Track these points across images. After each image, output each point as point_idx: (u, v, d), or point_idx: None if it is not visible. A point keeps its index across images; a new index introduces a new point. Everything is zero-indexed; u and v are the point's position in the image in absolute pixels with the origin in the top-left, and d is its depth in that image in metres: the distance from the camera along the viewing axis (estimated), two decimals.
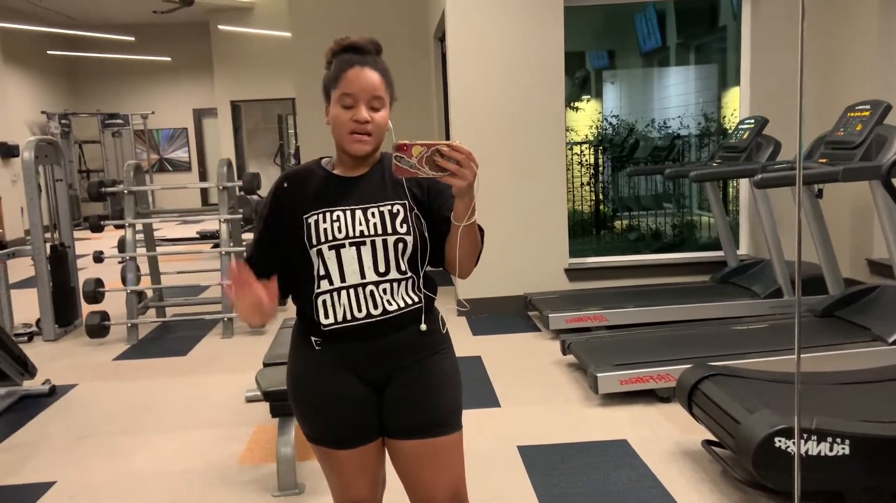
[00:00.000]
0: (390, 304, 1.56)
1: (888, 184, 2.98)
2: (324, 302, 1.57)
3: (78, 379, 4.32)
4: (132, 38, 13.10)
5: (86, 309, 5.66)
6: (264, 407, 3.48)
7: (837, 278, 4.27)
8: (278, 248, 1.61)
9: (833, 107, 4.89)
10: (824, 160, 3.82)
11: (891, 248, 3.49)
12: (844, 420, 2.38)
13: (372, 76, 1.54)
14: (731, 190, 5.97)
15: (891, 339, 3.50)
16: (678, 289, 5.00)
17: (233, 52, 12.53)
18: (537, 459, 2.95)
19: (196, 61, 13.49)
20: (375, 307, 1.55)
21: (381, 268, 1.55)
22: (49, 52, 12.75)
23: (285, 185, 1.63)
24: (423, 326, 1.60)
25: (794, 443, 2.29)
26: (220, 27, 12.28)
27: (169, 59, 13.58)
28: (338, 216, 1.56)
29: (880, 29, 4.65)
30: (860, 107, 3.79)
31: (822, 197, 4.06)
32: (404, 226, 1.56)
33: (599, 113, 6.60)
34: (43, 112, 12.34)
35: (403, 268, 1.57)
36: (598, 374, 3.43)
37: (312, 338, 1.62)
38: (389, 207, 1.58)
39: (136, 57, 13.39)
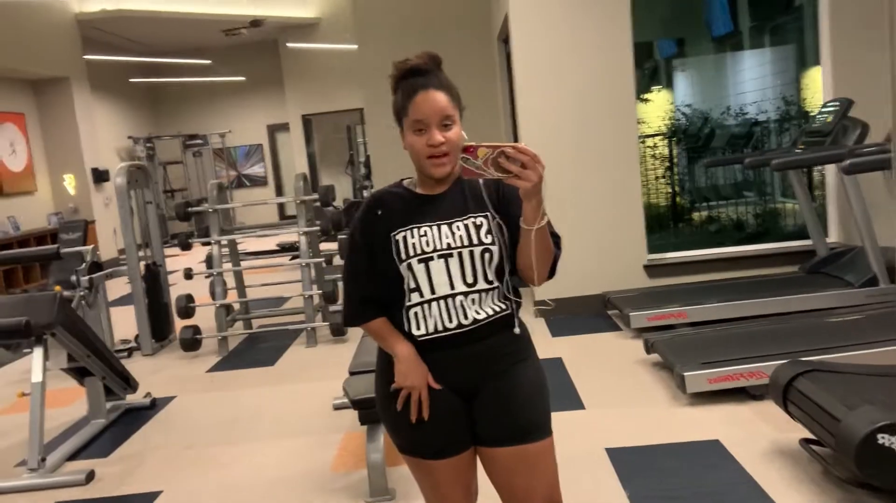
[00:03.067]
0: (479, 314, 1.59)
1: None
2: (415, 314, 1.61)
3: (176, 391, 4.54)
4: (209, 62, 13.63)
5: (179, 324, 5.92)
6: (352, 414, 3.57)
7: None
8: (375, 270, 1.66)
9: None
10: None
11: None
12: None
13: (438, 98, 1.56)
14: (816, 175, 5.73)
15: None
16: (764, 282, 4.84)
17: (302, 67, 12.88)
18: (627, 461, 2.92)
19: (268, 78, 13.92)
20: (465, 317, 1.58)
21: (469, 279, 1.58)
22: (131, 79, 13.42)
23: (374, 209, 1.67)
24: (517, 330, 1.63)
25: None
26: (289, 44, 12.64)
27: (243, 78, 14.06)
28: (425, 231, 1.60)
29: None
30: None
31: None
32: (489, 236, 1.59)
33: (671, 103, 6.45)
34: (129, 137, 13.00)
35: (490, 277, 1.60)
36: (686, 373, 3.36)
37: None
38: (474, 219, 1.61)
39: (211, 79, 13.93)
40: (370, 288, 1.68)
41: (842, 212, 5.28)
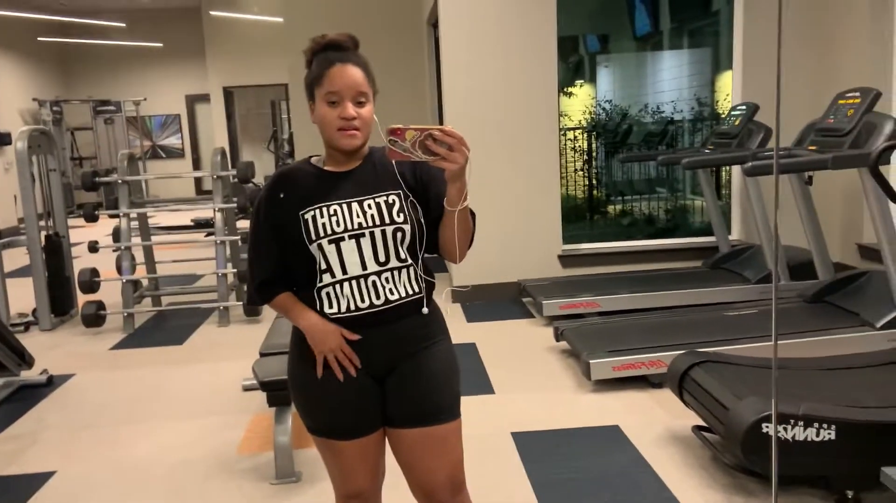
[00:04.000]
0: (392, 294, 1.59)
1: (876, 171, 3.01)
2: (327, 294, 1.60)
3: (75, 368, 4.35)
4: (123, 24, 12.99)
5: (81, 299, 5.67)
6: (261, 396, 3.52)
7: (827, 263, 4.31)
8: (281, 249, 1.64)
9: (825, 93, 4.91)
10: (814, 147, 3.84)
11: (879, 233, 3.53)
12: (831, 405, 2.43)
13: (355, 72, 1.56)
14: (724, 174, 6.00)
15: (879, 324, 3.55)
16: (671, 275, 5.05)
17: (225, 37, 12.45)
18: (531, 445, 3.00)
19: (188, 47, 13.39)
20: (378, 297, 1.59)
21: (382, 258, 1.58)
22: (40, 38, 12.64)
23: (278, 188, 1.64)
24: (426, 310, 1.64)
25: (783, 428, 2.33)
26: (213, 13, 12.19)
27: (161, 44, 13.48)
28: (335, 210, 1.58)
29: (872, 15, 4.66)
30: (850, 94, 3.81)
31: (811, 184, 4.09)
32: (401, 215, 1.59)
33: (593, 98, 6.60)
34: (34, 99, 12.26)
35: (403, 256, 1.60)
36: (591, 361, 3.48)
37: None
38: (385, 198, 1.60)
39: (127, 43, 13.29)
40: (273, 267, 1.66)
41: (744, 211, 5.55)
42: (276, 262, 1.65)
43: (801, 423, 2.33)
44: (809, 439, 2.33)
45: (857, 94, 3.74)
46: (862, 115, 3.62)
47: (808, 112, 4.93)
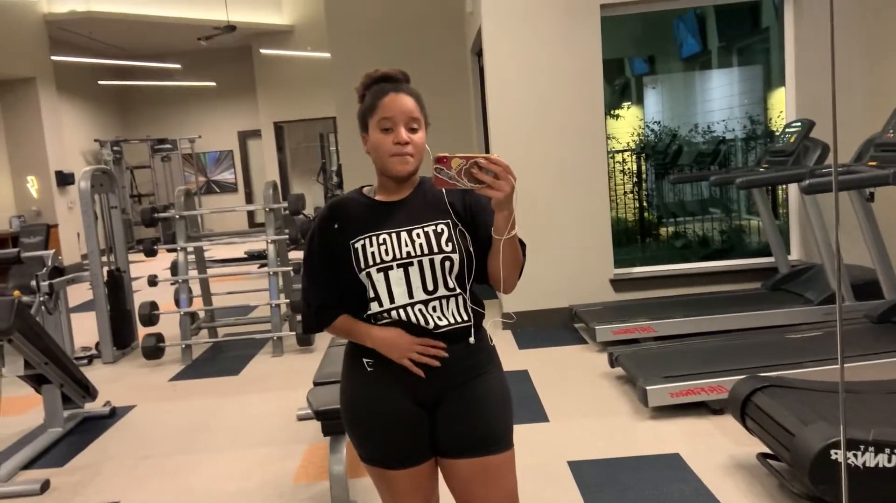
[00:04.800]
0: (441, 320, 1.59)
1: None
2: (376, 322, 1.61)
3: (136, 400, 4.46)
4: (178, 66, 13.50)
5: (142, 331, 5.83)
6: (316, 425, 3.55)
7: (893, 282, 4.14)
8: (335, 277, 1.66)
9: (884, 107, 4.76)
10: (874, 163, 3.72)
11: None
12: None
13: (407, 100, 1.60)
14: (780, 193, 5.85)
15: None
16: (728, 298, 4.92)
17: (274, 74, 12.82)
18: (588, 474, 2.94)
19: (240, 85, 13.83)
20: (427, 322, 1.59)
21: (430, 287, 1.59)
22: (100, 82, 13.23)
23: (331, 218, 1.67)
24: (472, 339, 1.63)
25: (853, 455, 2.23)
26: (262, 51, 12.58)
27: (214, 83, 13.95)
28: (384, 239, 1.60)
29: None
30: None
31: (873, 200, 3.95)
32: (450, 244, 1.60)
33: (641, 119, 6.55)
34: (96, 140, 12.80)
35: (451, 285, 1.60)
36: (648, 387, 3.40)
37: (364, 360, 1.66)
38: (434, 227, 1.61)
39: (182, 83, 13.79)
40: (329, 295, 1.67)
41: (803, 230, 5.39)
42: (330, 289, 1.67)
43: (871, 449, 2.23)
44: (881, 465, 2.22)
45: None
46: None
47: (866, 127, 4.79)
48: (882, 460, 2.23)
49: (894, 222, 4.85)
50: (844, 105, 4.99)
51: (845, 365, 3.36)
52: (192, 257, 5.81)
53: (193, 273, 5.71)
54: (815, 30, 5.10)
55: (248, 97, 13.76)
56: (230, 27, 10.08)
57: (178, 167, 13.94)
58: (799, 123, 4.76)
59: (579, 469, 2.99)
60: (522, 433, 3.41)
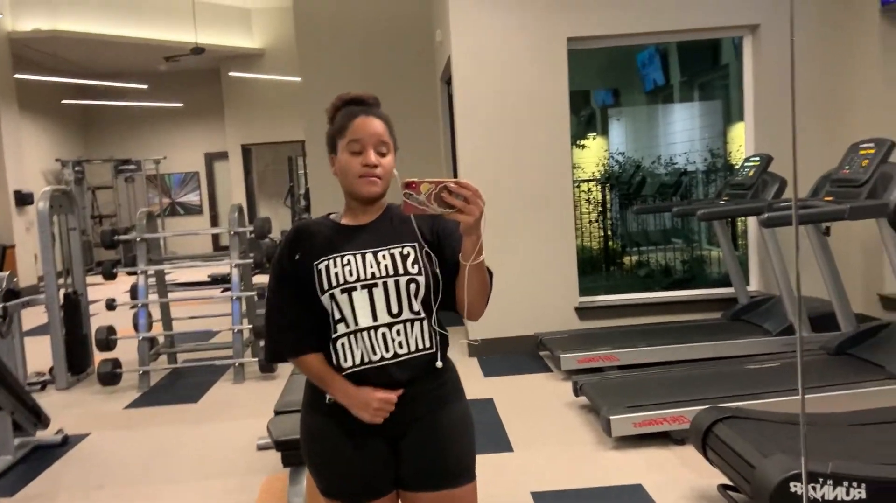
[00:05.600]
0: (401, 348, 1.58)
1: (895, 222, 2.99)
2: (342, 345, 1.59)
3: (90, 428, 4.33)
4: (145, 86, 13.37)
5: (98, 356, 5.68)
6: (276, 455, 3.46)
7: (849, 315, 4.24)
8: (298, 303, 1.63)
9: (837, 144, 4.91)
10: (830, 198, 3.83)
11: None
12: (860, 463, 2.36)
13: (377, 124, 1.61)
14: (739, 224, 5.97)
15: None
16: (689, 327, 4.98)
17: (243, 96, 12.77)
18: None
19: (207, 106, 13.73)
20: (387, 350, 1.57)
21: (394, 310, 1.57)
22: (64, 101, 13.02)
23: (296, 242, 1.65)
24: (440, 363, 1.62)
25: (812, 488, 2.26)
26: (231, 73, 12.53)
27: (181, 105, 13.83)
28: (348, 260, 1.59)
29: (884, 64, 4.70)
30: (865, 144, 3.81)
31: (829, 234, 4.06)
32: (416, 266, 1.59)
33: (606, 150, 6.66)
34: (57, 160, 12.55)
35: (416, 308, 1.59)
36: (611, 417, 3.41)
37: (326, 394, 1.63)
38: (400, 249, 1.61)
39: (148, 104, 13.65)
40: (292, 321, 1.64)
41: (762, 261, 5.50)
42: (293, 316, 1.64)
43: (830, 482, 2.26)
44: (839, 499, 2.25)
45: (872, 144, 3.74)
46: (878, 165, 3.61)
47: (822, 163, 4.93)
48: (840, 493, 2.26)
49: (850, 256, 4.99)
50: (801, 141, 5.13)
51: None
52: (152, 280, 5.70)
53: (154, 297, 5.60)
54: (772, 67, 5.26)
55: (215, 119, 13.67)
56: (199, 49, 10.03)
57: (142, 188, 13.73)
58: (757, 158, 4.88)
59: (543, 500, 2.98)
60: (486, 463, 3.39)
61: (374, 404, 1.57)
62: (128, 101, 13.63)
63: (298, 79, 7.47)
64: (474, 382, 4.68)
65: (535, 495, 3.03)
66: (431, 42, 7.17)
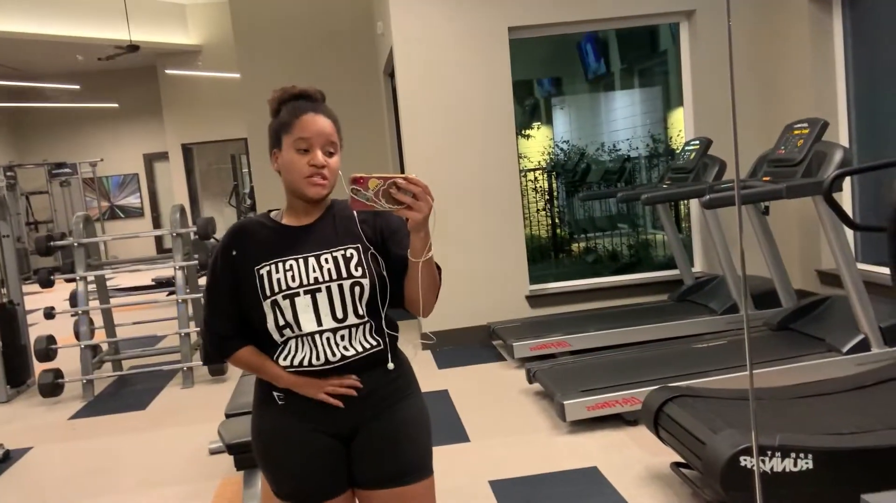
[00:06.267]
0: (347, 350, 1.54)
1: (830, 199, 3.08)
2: (288, 350, 1.56)
3: (33, 441, 4.17)
4: (78, 87, 12.91)
5: (38, 367, 5.47)
6: (229, 459, 3.39)
7: (789, 291, 4.38)
8: (238, 304, 1.59)
9: (774, 125, 5.05)
10: (768, 178, 3.93)
11: (837, 259, 3.60)
12: (807, 434, 2.43)
13: (325, 122, 1.56)
14: (682, 208, 6.10)
15: (845, 349, 3.59)
16: (638, 310, 5.06)
17: (182, 94, 12.44)
18: (510, 493, 2.93)
19: (145, 106, 13.34)
20: (334, 354, 1.54)
21: (339, 314, 1.54)
22: None
23: (233, 244, 1.61)
24: (391, 365, 1.59)
25: (761, 460, 2.32)
26: (168, 71, 12.19)
27: (116, 105, 13.41)
28: (290, 265, 1.55)
29: (814, 46, 4.84)
30: (799, 124, 3.92)
31: (768, 213, 4.17)
32: (359, 269, 1.56)
33: (550, 139, 6.71)
34: None
35: (361, 312, 1.56)
36: (565, 402, 3.44)
37: (275, 393, 1.60)
38: (343, 252, 1.57)
39: (82, 105, 13.19)
40: (230, 324, 1.61)
41: (705, 243, 5.63)
42: (232, 318, 1.60)
43: (778, 454, 2.32)
44: (787, 470, 2.32)
45: (806, 124, 3.85)
46: (812, 144, 3.72)
47: (759, 144, 5.06)
48: (788, 465, 2.32)
49: (788, 234, 5.14)
50: (739, 124, 5.26)
51: (747, 372, 3.51)
52: (92, 286, 5.51)
53: (95, 303, 5.42)
54: (709, 52, 5.37)
55: (153, 118, 13.30)
56: (133, 47, 9.72)
57: (79, 192, 13.27)
58: (697, 141, 4.98)
59: (501, 488, 2.99)
60: (443, 454, 3.39)
61: (327, 387, 1.55)
62: (61, 103, 13.15)
63: (237, 75, 7.31)
64: (429, 375, 4.67)
65: (493, 484, 3.03)
66: (373, 34, 7.10)
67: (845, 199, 4.84)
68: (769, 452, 2.31)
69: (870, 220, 4.56)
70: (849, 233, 4.37)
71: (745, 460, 2.31)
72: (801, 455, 2.31)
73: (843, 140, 4.85)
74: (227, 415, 3.00)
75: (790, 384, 3.13)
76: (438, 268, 1.60)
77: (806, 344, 3.80)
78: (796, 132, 3.87)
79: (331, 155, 1.56)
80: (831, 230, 3.58)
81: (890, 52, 4.53)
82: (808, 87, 4.90)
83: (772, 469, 2.31)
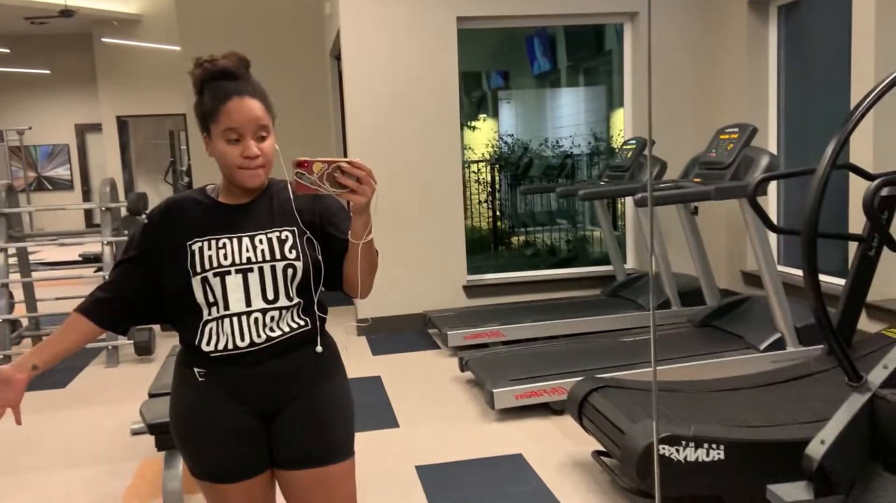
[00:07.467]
0: (273, 332, 1.53)
1: (754, 202, 3.20)
2: (210, 329, 1.53)
3: None
4: (7, 50, 12.31)
5: None
6: (151, 439, 3.32)
7: (714, 290, 4.54)
8: (147, 278, 1.56)
9: (709, 128, 5.21)
10: (699, 179, 4.06)
11: (759, 261, 3.75)
12: (720, 426, 2.53)
13: (254, 107, 1.50)
14: (619, 206, 6.24)
15: (762, 347, 3.75)
16: (571, 304, 5.16)
17: (119, 65, 11.99)
18: (435, 478, 2.96)
19: (78, 74, 12.82)
20: (258, 335, 1.52)
21: (270, 296, 1.53)
22: None
23: (163, 216, 1.58)
24: (320, 348, 1.59)
25: (675, 450, 2.40)
26: (105, 40, 11.74)
27: (48, 71, 12.84)
28: (223, 243, 1.53)
29: (749, 53, 5.01)
30: (730, 129, 4.06)
31: (697, 214, 4.30)
32: (293, 251, 1.54)
33: (495, 132, 6.76)
34: None
35: (292, 294, 1.54)
36: (494, 390, 3.49)
37: (195, 370, 1.57)
38: (278, 233, 1.55)
39: (10, 69, 12.58)
40: (119, 290, 1.59)
41: (638, 241, 5.78)
42: (126, 286, 1.58)
43: (692, 444, 2.41)
44: (700, 460, 2.41)
45: (736, 129, 3.98)
46: (741, 149, 3.86)
47: (694, 146, 5.22)
48: (701, 454, 2.41)
49: (716, 235, 5.32)
50: (675, 126, 5.40)
51: (670, 366, 3.64)
52: (14, 259, 5.29)
53: (15, 276, 5.21)
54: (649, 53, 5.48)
55: (87, 88, 12.78)
56: (67, 12, 9.33)
57: (4, 160, 12.69)
58: (634, 141, 5.10)
59: (426, 473, 3.02)
60: (372, 439, 3.39)
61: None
62: None
63: (178, 48, 7.10)
64: (362, 361, 4.67)
65: (419, 469, 3.06)
66: (321, 15, 6.99)
67: (771, 203, 5.04)
68: (683, 442, 2.40)
69: (795, 224, 4.76)
70: (772, 236, 4.56)
71: (662, 449, 2.40)
72: (714, 446, 2.41)
73: (773, 146, 5.05)
74: (151, 395, 2.94)
75: (708, 378, 3.25)
76: (376, 250, 1.61)
77: (726, 341, 3.95)
78: (727, 136, 4.01)
79: (263, 139, 1.51)
80: (755, 232, 3.72)
81: (820, 63, 4.73)
82: (743, 93, 5.07)
83: (685, 458, 2.40)
